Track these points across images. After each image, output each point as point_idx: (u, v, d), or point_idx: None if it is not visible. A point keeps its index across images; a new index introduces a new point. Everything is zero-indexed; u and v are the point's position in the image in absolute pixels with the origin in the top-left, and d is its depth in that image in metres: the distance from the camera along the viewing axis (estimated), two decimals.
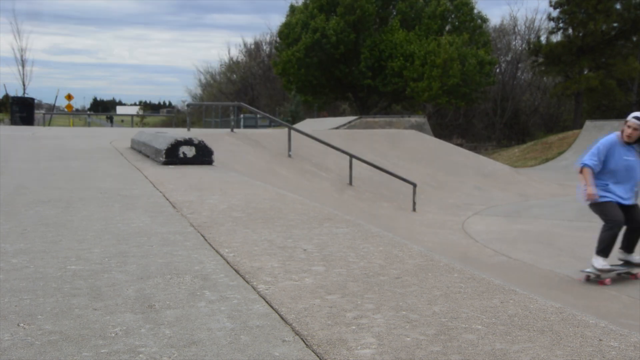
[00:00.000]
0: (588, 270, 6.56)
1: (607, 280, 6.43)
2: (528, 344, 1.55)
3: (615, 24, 37.77)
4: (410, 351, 1.51)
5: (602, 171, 6.39)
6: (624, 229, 6.46)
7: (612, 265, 6.52)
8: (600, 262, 6.36)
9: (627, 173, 6.35)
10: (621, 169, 6.34)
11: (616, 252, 6.55)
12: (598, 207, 6.42)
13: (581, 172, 6.42)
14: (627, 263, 6.61)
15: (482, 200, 13.89)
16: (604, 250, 6.36)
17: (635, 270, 6.63)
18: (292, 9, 40.58)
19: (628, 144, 6.27)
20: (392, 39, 37.41)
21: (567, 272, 7.40)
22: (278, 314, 1.79)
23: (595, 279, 6.44)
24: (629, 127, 6.21)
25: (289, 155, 12.64)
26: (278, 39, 42.73)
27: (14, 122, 20.88)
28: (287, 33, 39.11)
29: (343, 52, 37.87)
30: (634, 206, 6.46)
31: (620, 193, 6.37)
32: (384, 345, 1.54)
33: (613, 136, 6.37)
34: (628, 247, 6.59)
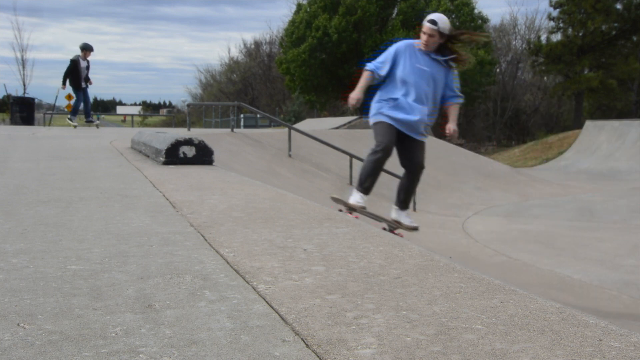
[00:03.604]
0: (336, 197, 5.62)
1: (355, 215, 5.29)
2: (528, 343, 1.56)
3: (615, 24, 37.77)
4: (410, 351, 1.51)
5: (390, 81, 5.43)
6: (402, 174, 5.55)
7: (369, 212, 5.51)
8: (356, 198, 5.39)
9: (419, 84, 5.27)
10: (412, 79, 5.32)
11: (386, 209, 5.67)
12: (374, 126, 5.55)
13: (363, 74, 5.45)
14: (398, 223, 5.54)
15: (482, 200, 13.89)
16: (362, 182, 5.40)
17: (399, 230, 5.62)
18: (299, 7, 40.58)
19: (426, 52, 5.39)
20: (393, 39, 37.40)
21: (567, 272, 7.40)
22: (278, 314, 1.79)
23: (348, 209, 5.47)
24: (423, 33, 5.34)
25: (289, 155, 12.65)
26: (283, 37, 42.71)
27: (14, 122, 20.87)
28: (292, 31, 39.11)
29: (345, 52, 37.86)
30: (417, 142, 5.38)
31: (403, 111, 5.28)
32: (384, 345, 1.54)
33: (410, 42, 5.54)
34: (401, 200, 5.48)
